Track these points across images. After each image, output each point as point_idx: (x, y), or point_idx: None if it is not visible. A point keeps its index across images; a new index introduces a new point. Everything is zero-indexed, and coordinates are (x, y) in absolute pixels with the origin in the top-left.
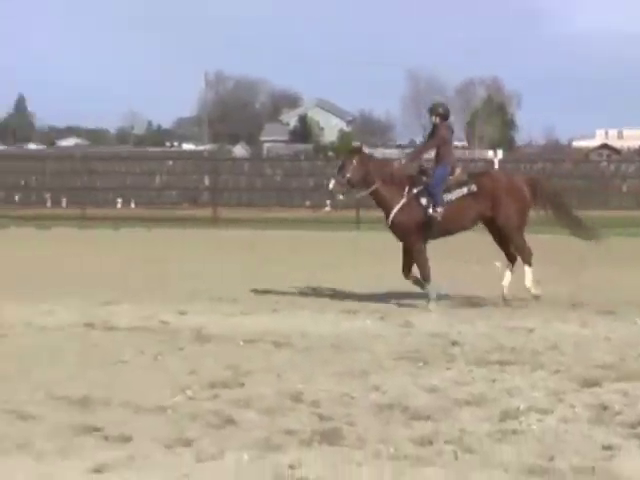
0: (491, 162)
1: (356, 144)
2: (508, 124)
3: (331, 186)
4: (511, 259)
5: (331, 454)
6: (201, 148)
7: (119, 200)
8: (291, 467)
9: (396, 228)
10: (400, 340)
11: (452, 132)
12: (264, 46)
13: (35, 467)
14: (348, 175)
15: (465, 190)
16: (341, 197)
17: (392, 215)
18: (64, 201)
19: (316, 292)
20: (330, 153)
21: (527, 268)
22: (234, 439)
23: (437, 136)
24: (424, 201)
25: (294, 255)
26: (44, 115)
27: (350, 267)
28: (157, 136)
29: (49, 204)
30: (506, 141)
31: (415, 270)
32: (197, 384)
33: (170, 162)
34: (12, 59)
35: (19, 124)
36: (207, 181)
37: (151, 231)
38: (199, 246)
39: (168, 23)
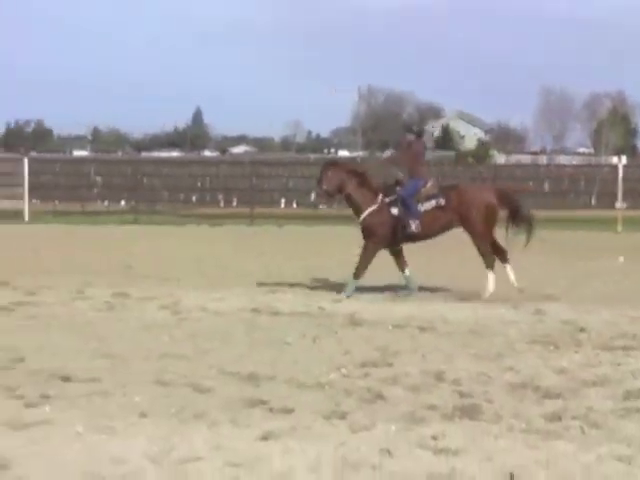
0: (615, 167)
1: (332, 159)
2: (631, 132)
3: (312, 199)
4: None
5: (470, 427)
6: (355, 154)
7: (282, 200)
8: (434, 438)
9: (364, 229)
10: (532, 326)
11: (425, 148)
12: (411, 63)
13: (210, 434)
14: (324, 187)
15: (434, 203)
16: (322, 206)
17: (362, 217)
18: (235, 201)
19: (454, 283)
20: (470, 159)
21: (508, 267)
22: (383, 412)
23: (411, 151)
24: (395, 211)
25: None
26: (218, 126)
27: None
28: (316, 144)
29: (222, 204)
30: (629, 148)
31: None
32: (351, 363)
33: None
34: (191, 78)
35: (196, 134)
36: None
37: (311, 228)
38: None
39: (327, 43)
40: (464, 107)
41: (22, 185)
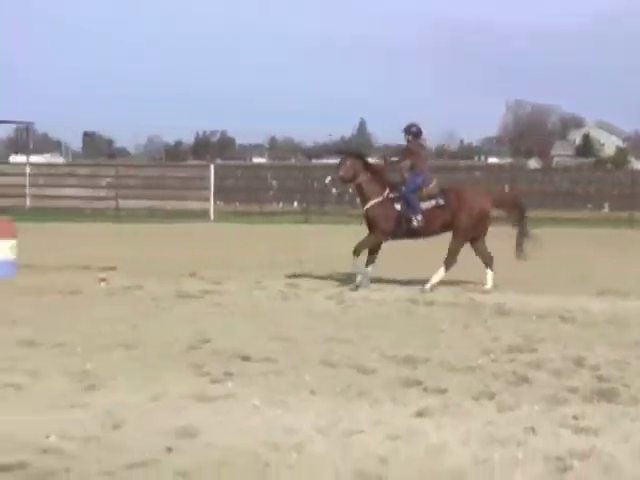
0: None
1: (353, 151)
2: None
3: (327, 181)
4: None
5: (608, 409)
6: (503, 161)
7: None
8: (574, 418)
9: (367, 219)
10: None
11: (424, 148)
12: (555, 78)
13: (371, 411)
14: (341, 173)
15: (434, 202)
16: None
17: (367, 207)
18: None
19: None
20: (609, 165)
21: (490, 273)
22: (528, 394)
23: (410, 151)
24: (398, 206)
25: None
26: (380, 135)
27: (622, 263)
28: (467, 151)
29: None
30: None
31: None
32: (498, 349)
33: (477, 173)
34: (356, 91)
35: (360, 142)
36: (507, 188)
37: None
38: None
39: (476, 60)
40: (604, 117)
41: (208, 188)
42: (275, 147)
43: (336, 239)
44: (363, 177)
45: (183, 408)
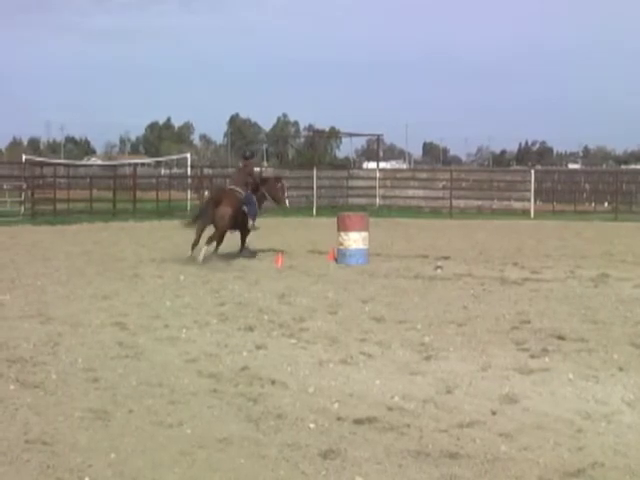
0: None
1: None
2: None
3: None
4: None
5: None
6: None
7: None
8: None
9: None
10: None
11: (253, 167)
12: None
13: None
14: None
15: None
16: None
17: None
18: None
19: None
20: None
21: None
22: None
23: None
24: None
25: None
26: None
27: None
28: None
29: None
30: None
31: None
32: None
33: None
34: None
35: None
36: None
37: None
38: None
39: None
40: None
41: (529, 190)
42: (588, 155)
43: None
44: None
45: (506, 378)
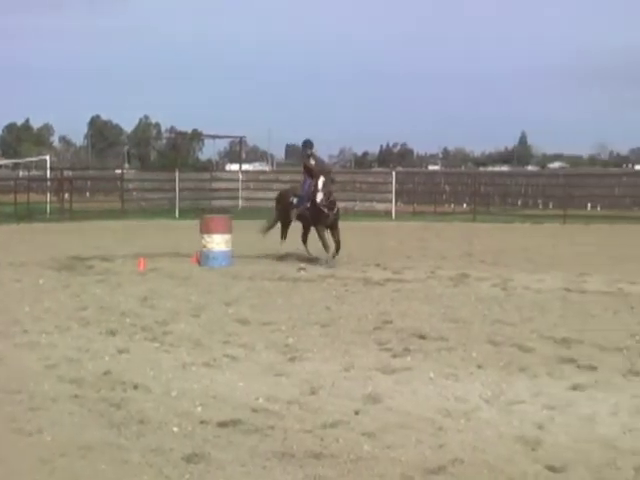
0: None
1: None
2: None
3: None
4: None
5: None
6: None
7: (589, 204)
8: None
9: None
10: None
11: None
12: None
13: (530, 384)
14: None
15: None
16: None
17: None
18: (550, 204)
19: None
20: None
21: None
22: None
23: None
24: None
25: None
26: (540, 145)
27: None
28: (617, 160)
29: (540, 207)
30: None
31: None
32: None
33: (624, 178)
34: (516, 106)
35: (521, 152)
36: None
37: (614, 226)
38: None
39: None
40: None
41: (391, 192)
42: (448, 156)
43: (500, 235)
44: None
45: (369, 378)
